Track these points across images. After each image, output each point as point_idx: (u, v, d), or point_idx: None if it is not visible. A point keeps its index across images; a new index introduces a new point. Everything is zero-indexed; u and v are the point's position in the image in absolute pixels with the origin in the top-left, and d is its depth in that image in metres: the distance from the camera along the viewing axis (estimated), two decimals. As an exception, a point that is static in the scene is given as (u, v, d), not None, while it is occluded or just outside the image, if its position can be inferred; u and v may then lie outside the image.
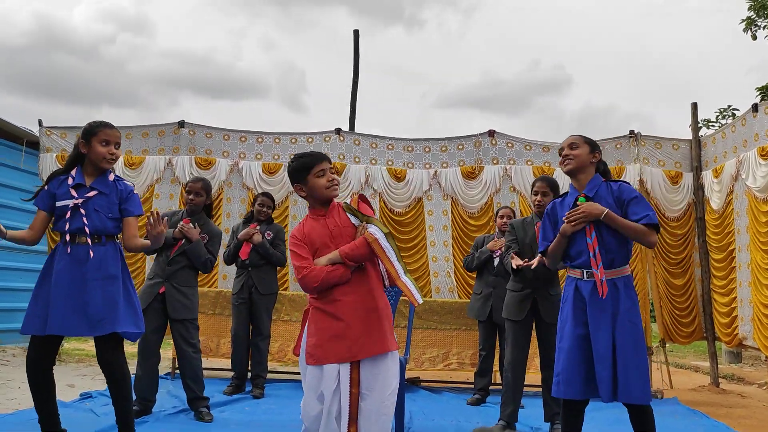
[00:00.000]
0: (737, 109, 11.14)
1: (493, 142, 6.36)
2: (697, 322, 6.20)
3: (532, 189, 4.00)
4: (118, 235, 2.99)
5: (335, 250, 2.49)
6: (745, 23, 11.19)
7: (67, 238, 2.85)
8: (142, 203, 6.37)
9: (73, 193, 2.87)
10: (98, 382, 5.35)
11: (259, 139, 6.51)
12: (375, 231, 2.49)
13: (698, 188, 6.18)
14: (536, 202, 3.90)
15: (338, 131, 6.51)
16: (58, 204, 2.88)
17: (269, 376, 5.46)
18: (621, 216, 2.67)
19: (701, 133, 6.88)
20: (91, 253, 2.82)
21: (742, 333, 5.61)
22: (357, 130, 7.18)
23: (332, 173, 2.61)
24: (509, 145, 6.37)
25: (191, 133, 6.46)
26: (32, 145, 7.00)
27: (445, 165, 6.43)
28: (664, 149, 6.27)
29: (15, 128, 7.27)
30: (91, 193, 2.88)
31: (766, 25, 11.13)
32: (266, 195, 5.23)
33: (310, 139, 6.51)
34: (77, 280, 2.80)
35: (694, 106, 6.41)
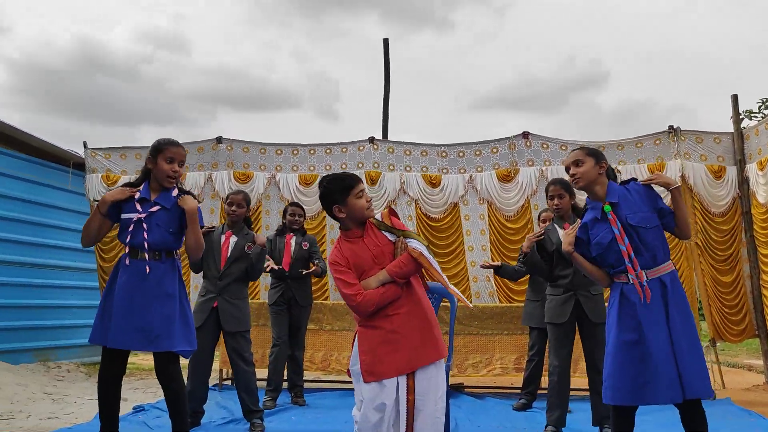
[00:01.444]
0: (781, 98, 10.79)
1: (528, 143, 6.32)
2: (747, 319, 6.02)
3: (546, 194, 3.95)
4: (177, 251, 3.05)
5: (382, 270, 2.50)
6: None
7: (127, 250, 2.94)
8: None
9: (138, 207, 2.95)
10: (150, 396, 5.50)
11: (294, 151, 6.61)
12: (417, 245, 2.52)
13: (743, 182, 6.01)
14: (554, 207, 3.87)
15: (372, 140, 6.56)
16: (123, 216, 2.97)
17: (314, 385, 5.51)
18: (648, 213, 2.68)
19: (743, 124, 6.70)
20: (147, 269, 2.90)
21: (796, 329, 5.42)
22: (391, 137, 7.20)
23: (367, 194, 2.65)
24: (544, 146, 6.32)
25: (229, 148, 6.60)
26: (78, 166, 7.25)
27: (479, 169, 6.42)
28: (705, 143, 6.13)
29: (62, 151, 7.55)
30: (154, 208, 2.96)
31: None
32: (296, 204, 5.26)
33: (344, 149, 6.57)
34: (137, 296, 2.89)
35: (735, 98, 6.25)
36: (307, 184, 6.50)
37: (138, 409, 4.62)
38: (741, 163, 6.04)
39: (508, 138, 6.39)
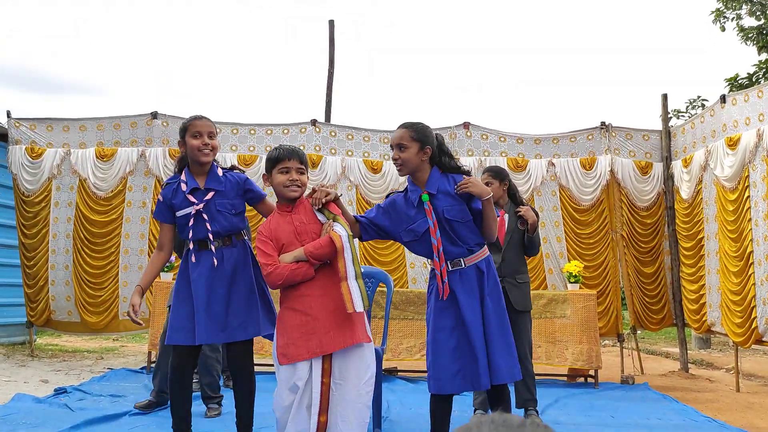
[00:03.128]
0: (706, 100, 11.35)
1: (468, 134, 6.40)
2: (666, 309, 6.35)
3: None
4: (243, 231, 2.88)
5: (300, 248, 2.54)
6: (714, 15, 11.40)
7: (191, 246, 2.75)
8: (114, 196, 6.34)
9: (192, 199, 2.75)
10: (72, 378, 5.30)
11: (234, 130, 6.45)
12: (340, 230, 2.51)
13: (668, 178, 6.31)
14: None
15: (314, 122, 6.49)
16: (179, 214, 2.77)
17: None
18: (464, 207, 2.63)
19: (671, 123, 7.01)
20: (215, 261, 2.73)
21: (710, 319, 5.76)
22: (334, 121, 7.14)
23: (298, 173, 2.61)
24: (484, 136, 6.42)
25: (164, 124, 6.38)
26: (1, 137, 6.84)
27: (420, 156, 6.46)
28: (634, 140, 6.39)
29: (-18, 120, 7.08)
30: (209, 195, 2.77)
31: (734, 17, 11.34)
32: None
33: (285, 131, 6.47)
34: (215, 287, 2.72)
35: (665, 97, 6.53)
36: (247, 164, 6.36)
37: (60, 392, 4.45)
38: (667, 160, 6.33)
39: (449, 127, 6.46)
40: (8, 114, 6.40)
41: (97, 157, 6.32)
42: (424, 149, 2.64)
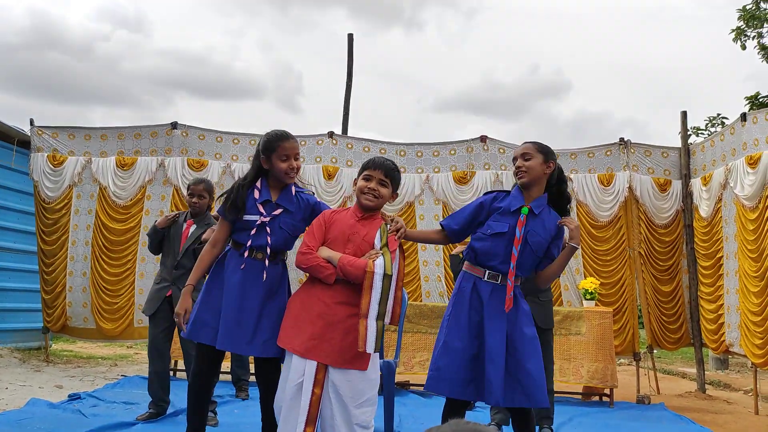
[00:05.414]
0: (726, 118, 11.26)
1: (485, 147, 6.40)
2: (684, 328, 6.26)
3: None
4: (286, 252, 2.88)
5: (339, 254, 2.55)
6: (734, 33, 11.32)
7: (246, 253, 2.74)
8: (133, 204, 6.42)
9: (261, 209, 2.75)
10: (86, 384, 5.33)
11: (252, 142, 6.51)
12: (379, 266, 2.48)
13: (687, 196, 6.24)
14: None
15: (331, 134, 6.53)
16: (247, 218, 2.76)
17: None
18: (546, 245, 2.64)
19: (690, 140, 6.96)
20: (264, 275, 2.73)
21: (729, 340, 5.66)
22: (352, 133, 7.18)
23: (379, 185, 2.65)
24: (501, 150, 6.41)
25: (184, 134, 6.45)
26: (23, 144, 6.96)
27: (437, 170, 6.47)
28: (653, 157, 6.34)
29: (6, 127, 7.22)
30: (278, 211, 2.77)
31: (755, 36, 11.25)
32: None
33: (303, 142, 6.51)
34: (250, 299, 2.72)
35: (684, 114, 6.48)
36: (263, 176, 6.41)
37: (74, 397, 4.48)
38: (686, 178, 6.27)
39: (466, 141, 6.46)
40: (31, 122, 6.52)
41: (117, 165, 6.41)
42: (547, 162, 2.68)
